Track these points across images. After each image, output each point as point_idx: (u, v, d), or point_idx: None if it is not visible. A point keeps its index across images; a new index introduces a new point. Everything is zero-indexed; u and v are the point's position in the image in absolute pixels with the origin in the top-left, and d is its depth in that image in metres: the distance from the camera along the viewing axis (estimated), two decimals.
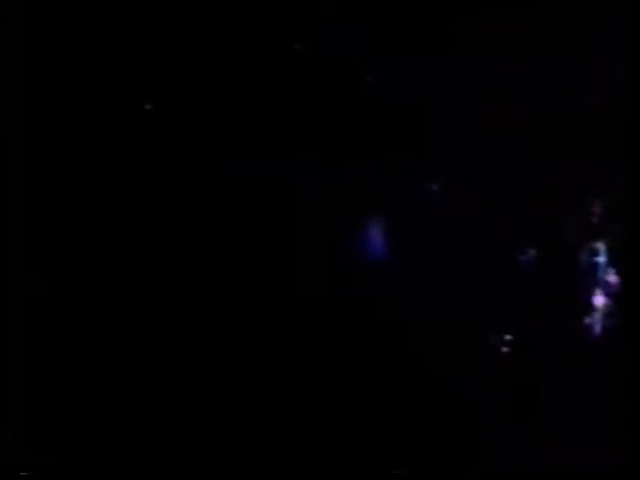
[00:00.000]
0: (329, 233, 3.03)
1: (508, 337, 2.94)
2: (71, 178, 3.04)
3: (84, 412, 2.94)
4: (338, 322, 2.99)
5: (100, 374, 2.96)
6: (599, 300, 2.95)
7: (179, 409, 2.96)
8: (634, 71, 2.89)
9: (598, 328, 2.95)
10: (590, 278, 2.97)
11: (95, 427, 2.93)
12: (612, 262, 2.96)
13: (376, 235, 3.03)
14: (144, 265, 3.03)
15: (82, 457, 2.91)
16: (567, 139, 3.04)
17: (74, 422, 2.93)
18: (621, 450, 2.73)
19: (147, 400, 2.96)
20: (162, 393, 2.96)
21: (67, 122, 3.06)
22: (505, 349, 2.95)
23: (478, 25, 3.07)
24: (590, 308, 2.96)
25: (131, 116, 3.07)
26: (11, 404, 2.85)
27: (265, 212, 3.05)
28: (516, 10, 3.06)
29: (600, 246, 2.97)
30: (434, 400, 2.96)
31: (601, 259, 2.96)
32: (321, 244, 3.02)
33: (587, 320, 2.96)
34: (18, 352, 2.88)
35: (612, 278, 2.95)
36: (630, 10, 2.91)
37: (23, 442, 2.85)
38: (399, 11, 3.09)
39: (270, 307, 3.00)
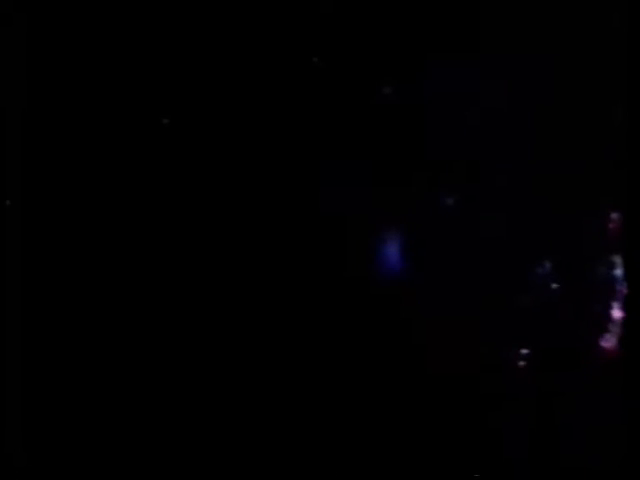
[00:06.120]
0: (345, 247, 3.02)
1: (525, 351, 2.95)
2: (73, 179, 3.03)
3: (84, 412, 2.93)
4: (349, 335, 2.99)
5: (100, 373, 2.95)
6: (616, 313, 2.95)
7: (179, 409, 2.95)
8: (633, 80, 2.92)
9: (615, 340, 2.96)
10: (607, 291, 2.97)
11: (95, 427, 2.92)
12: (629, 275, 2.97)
13: (391, 250, 3.03)
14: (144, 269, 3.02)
15: (82, 457, 2.91)
16: (584, 149, 3.04)
17: (73, 422, 2.93)
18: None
19: (147, 400, 2.95)
20: (162, 393, 2.96)
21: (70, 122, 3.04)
22: (522, 363, 2.96)
23: (503, 31, 3.06)
24: (608, 321, 2.96)
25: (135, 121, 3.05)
26: (9, 403, 2.85)
27: (279, 225, 3.03)
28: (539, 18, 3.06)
29: (617, 259, 2.97)
30: (447, 412, 2.97)
31: (618, 272, 2.97)
32: (336, 258, 3.02)
33: (604, 333, 2.96)
34: (15, 351, 2.88)
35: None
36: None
37: (21, 442, 2.85)
38: (416, 18, 3.07)
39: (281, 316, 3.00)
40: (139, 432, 2.93)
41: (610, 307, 2.96)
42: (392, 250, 3.01)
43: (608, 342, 2.95)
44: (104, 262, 3.00)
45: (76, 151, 3.02)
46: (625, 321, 2.93)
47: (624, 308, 2.95)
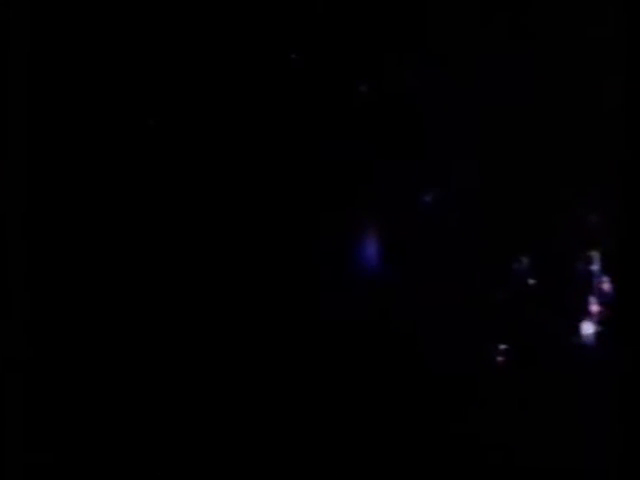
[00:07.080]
0: (323, 245, 3.03)
1: (503, 346, 2.95)
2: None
3: (83, 412, 2.94)
4: (333, 333, 3.00)
5: (99, 373, 2.96)
6: (594, 308, 2.95)
7: (179, 409, 2.96)
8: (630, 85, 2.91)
9: (593, 336, 2.96)
10: (584, 286, 2.97)
11: (94, 427, 2.93)
12: (606, 270, 2.97)
13: (370, 247, 3.03)
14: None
15: (82, 457, 2.92)
16: (563, 148, 3.04)
17: (73, 422, 2.94)
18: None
19: (146, 400, 2.96)
20: (162, 393, 2.96)
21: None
22: (500, 358, 2.96)
23: (482, 31, 3.06)
24: (585, 316, 2.96)
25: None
26: (9, 403, 2.85)
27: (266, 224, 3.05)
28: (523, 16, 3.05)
29: (594, 254, 2.97)
30: (431, 409, 2.97)
31: (595, 267, 2.97)
32: (315, 257, 3.03)
33: (582, 328, 2.96)
34: (16, 351, 2.89)
35: (606, 286, 2.96)
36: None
37: (20, 442, 2.86)
38: (391, 16, 3.08)
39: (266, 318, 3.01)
40: (138, 432, 2.95)
41: (588, 302, 2.96)
42: (371, 248, 3.02)
43: (586, 336, 2.95)
44: (100, 261, 3.02)
45: (75, 151, 3.04)
46: (622, 320, 2.92)
47: (601, 303, 2.95)
